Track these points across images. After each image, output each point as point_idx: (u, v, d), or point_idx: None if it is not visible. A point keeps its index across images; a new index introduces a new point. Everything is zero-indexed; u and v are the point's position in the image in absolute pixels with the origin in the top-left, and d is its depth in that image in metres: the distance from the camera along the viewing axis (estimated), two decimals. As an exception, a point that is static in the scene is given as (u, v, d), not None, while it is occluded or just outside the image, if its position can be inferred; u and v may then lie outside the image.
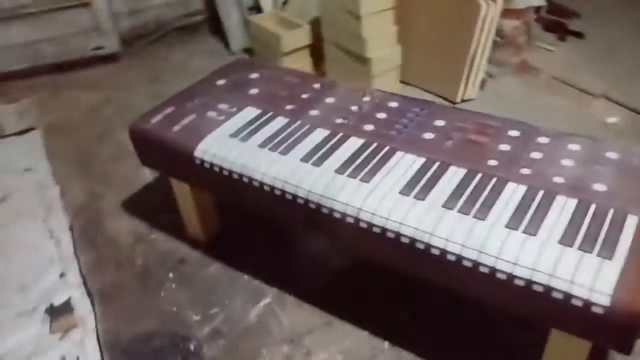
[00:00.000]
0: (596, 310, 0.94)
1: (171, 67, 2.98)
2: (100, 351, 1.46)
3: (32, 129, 2.45)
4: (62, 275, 1.69)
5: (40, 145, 2.33)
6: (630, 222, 1.05)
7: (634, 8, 3.10)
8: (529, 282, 1.00)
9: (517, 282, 1.01)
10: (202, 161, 1.42)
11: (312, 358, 1.40)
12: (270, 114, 1.52)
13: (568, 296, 0.97)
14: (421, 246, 1.11)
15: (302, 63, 2.62)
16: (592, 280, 0.96)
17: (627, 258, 0.98)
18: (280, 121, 1.49)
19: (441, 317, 1.46)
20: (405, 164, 1.27)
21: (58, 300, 1.61)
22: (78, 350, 1.47)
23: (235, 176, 1.37)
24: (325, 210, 1.23)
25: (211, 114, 1.55)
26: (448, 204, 1.14)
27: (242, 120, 1.51)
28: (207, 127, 1.50)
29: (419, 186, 1.20)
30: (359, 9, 2.14)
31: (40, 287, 1.65)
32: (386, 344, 1.41)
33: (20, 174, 2.16)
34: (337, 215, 1.22)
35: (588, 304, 0.95)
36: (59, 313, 1.58)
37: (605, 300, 0.94)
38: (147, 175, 2.11)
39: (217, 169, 1.40)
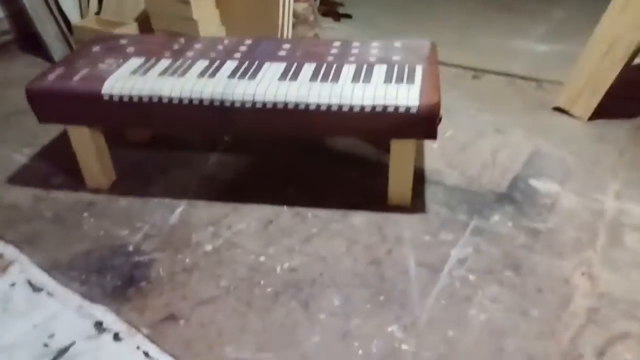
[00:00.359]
0: (413, 110, 1.59)
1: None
2: (46, 271, 1.65)
3: None
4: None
5: None
6: (419, 68, 1.75)
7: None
8: (373, 107, 1.61)
9: (367, 109, 1.62)
10: (111, 96, 1.74)
11: (234, 228, 1.81)
12: (154, 59, 1.91)
13: (396, 108, 1.60)
14: (302, 107, 1.65)
15: (137, 55, 2.95)
16: (407, 96, 1.61)
17: (421, 82, 1.66)
18: (165, 62, 1.88)
19: (316, 181, 2.01)
20: (274, 68, 1.80)
21: (-17, 252, 1.72)
22: (24, 276, 1.64)
23: (146, 100, 1.73)
24: (227, 104, 1.69)
25: (102, 66, 1.87)
26: (312, 79, 1.71)
27: (132, 66, 1.86)
28: (105, 73, 1.81)
29: (289, 74, 1.74)
30: (188, -5, 2.61)
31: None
32: (285, 207, 1.90)
33: None
34: (237, 105, 1.68)
35: (408, 109, 1.60)
36: (-12, 261, 1.70)
37: (416, 103, 1.59)
38: (20, 157, 2.24)
39: (126, 99, 1.74)
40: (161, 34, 2.77)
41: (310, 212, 1.87)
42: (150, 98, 1.73)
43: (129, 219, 1.87)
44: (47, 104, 1.82)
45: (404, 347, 1.39)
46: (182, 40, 2.07)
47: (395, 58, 1.83)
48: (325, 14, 3.71)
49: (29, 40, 3.36)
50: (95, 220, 1.88)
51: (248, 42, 2.03)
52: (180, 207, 1.92)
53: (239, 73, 1.76)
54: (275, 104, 1.66)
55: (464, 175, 2.04)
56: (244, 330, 1.45)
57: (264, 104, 1.67)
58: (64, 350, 1.40)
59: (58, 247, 1.76)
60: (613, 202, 1.86)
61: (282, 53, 1.91)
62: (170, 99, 1.72)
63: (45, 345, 1.42)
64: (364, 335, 1.42)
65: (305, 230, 1.79)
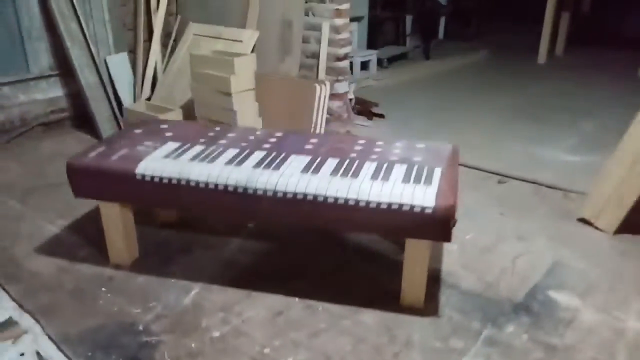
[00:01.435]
0: (428, 211, 1.62)
1: (42, 152, 3.23)
2: (56, 343, 1.67)
3: None
4: (-4, 301, 1.85)
5: None
6: (437, 170, 1.79)
7: (413, 98, 4.32)
8: (389, 205, 1.65)
9: (383, 206, 1.65)
10: (144, 176, 1.85)
11: (244, 315, 1.81)
12: (189, 144, 2.03)
13: (412, 207, 1.63)
14: (321, 199, 1.70)
15: (177, 139, 3.13)
16: (423, 196, 1.65)
17: (439, 184, 1.70)
18: (198, 148, 2.00)
19: (331, 274, 2.01)
20: (298, 160, 1.88)
21: None
22: (34, 347, 1.66)
23: (175, 182, 1.82)
24: (250, 192, 1.76)
25: (140, 147, 1.99)
26: (333, 173, 1.77)
27: (167, 149, 1.98)
28: (141, 155, 1.93)
29: (312, 168, 1.81)
30: (230, 88, 2.80)
31: (-23, 312, 1.79)
32: (296, 299, 1.90)
33: None
34: (259, 192, 1.75)
35: (423, 209, 1.62)
36: (3, 327, 1.74)
37: (431, 204, 1.62)
38: (52, 228, 2.35)
39: (157, 180, 1.84)
40: (201, 121, 2.95)
41: (321, 306, 1.86)
42: (179, 181, 1.82)
43: (144, 297, 1.90)
44: (84, 179, 1.93)
45: None
46: (219, 128, 2.20)
47: (416, 159, 1.89)
48: (359, 112, 3.88)
49: (82, 119, 3.63)
50: (112, 295, 1.91)
51: (278, 134, 2.14)
52: (195, 289, 1.95)
53: (264, 164, 1.85)
54: (295, 195, 1.72)
55: (481, 280, 2.01)
56: (240, 423, 1.41)
57: (285, 194, 1.73)
58: None
59: (72, 319, 1.79)
60: (635, 322, 1.78)
61: (308, 147, 2.00)
62: (197, 183, 1.80)
63: (41, 418, 1.41)
64: None
65: (314, 324, 1.77)
